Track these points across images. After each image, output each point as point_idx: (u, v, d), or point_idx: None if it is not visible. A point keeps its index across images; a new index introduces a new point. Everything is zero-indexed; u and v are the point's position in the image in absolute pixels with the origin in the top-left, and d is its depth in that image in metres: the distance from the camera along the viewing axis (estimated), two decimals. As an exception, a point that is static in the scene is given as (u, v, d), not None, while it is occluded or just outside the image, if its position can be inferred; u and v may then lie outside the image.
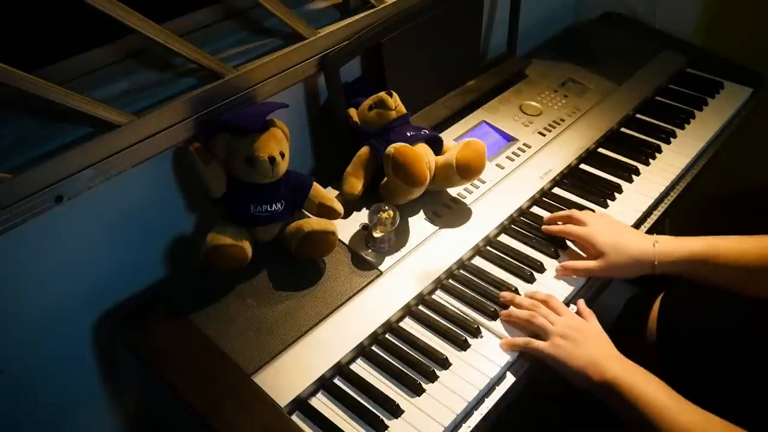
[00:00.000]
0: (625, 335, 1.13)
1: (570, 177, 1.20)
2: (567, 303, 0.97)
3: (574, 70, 1.44)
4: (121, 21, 0.80)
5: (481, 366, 0.86)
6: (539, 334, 0.89)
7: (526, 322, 0.90)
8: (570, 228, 1.02)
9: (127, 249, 0.93)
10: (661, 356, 1.08)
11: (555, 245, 1.04)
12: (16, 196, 0.75)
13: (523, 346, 0.88)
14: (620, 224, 1.03)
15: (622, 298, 1.24)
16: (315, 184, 0.98)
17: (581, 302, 0.95)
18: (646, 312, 1.12)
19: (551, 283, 0.98)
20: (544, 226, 1.06)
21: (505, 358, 0.87)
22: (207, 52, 0.91)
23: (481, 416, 0.83)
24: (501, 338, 0.90)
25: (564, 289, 0.97)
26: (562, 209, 1.11)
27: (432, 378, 0.84)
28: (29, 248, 0.81)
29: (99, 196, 0.85)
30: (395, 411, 0.80)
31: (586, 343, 0.85)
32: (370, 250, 0.99)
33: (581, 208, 1.12)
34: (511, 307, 0.93)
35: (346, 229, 1.01)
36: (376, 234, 0.97)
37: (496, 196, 1.10)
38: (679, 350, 1.06)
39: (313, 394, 0.83)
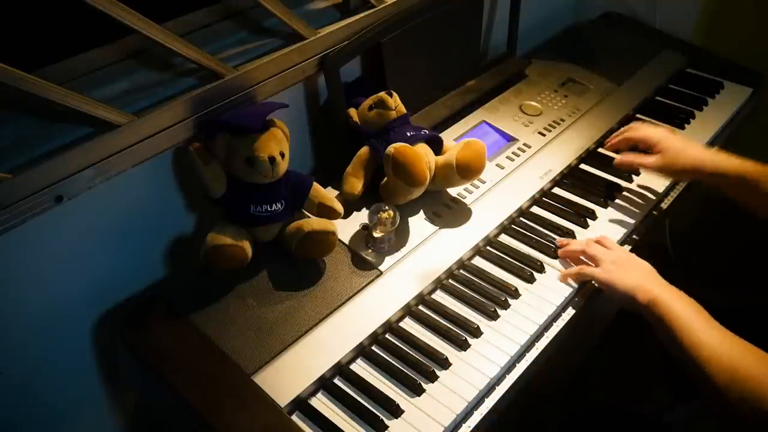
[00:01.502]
0: (627, 330, 1.14)
1: (570, 177, 1.20)
2: (567, 302, 0.97)
3: (574, 70, 1.44)
4: (121, 21, 0.81)
5: (481, 366, 0.86)
6: (592, 262, 0.97)
7: (581, 252, 0.99)
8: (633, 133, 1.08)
9: (127, 249, 0.93)
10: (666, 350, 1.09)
11: (555, 245, 1.04)
12: (16, 196, 0.75)
13: (577, 273, 0.97)
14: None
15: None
16: (315, 184, 0.98)
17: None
18: None
19: (551, 283, 0.98)
20: (608, 143, 1.13)
21: (506, 358, 0.87)
22: (207, 52, 0.91)
23: (481, 416, 0.83)
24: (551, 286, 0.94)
25: (564, 289, 0.97)
26: (562, 209, 1.11)
27: (432, 378, 0.84)
28: (29, 248, 0.81)
29: (99, 196, 0.85)
30: (395, 411, 0.80)
31: (634, 269, 0.92)
32: (370, 250, 0.99)
33: (581, 208, 1.12)
34: (569, 244, 1.01)
35: (346, 229, 1.01)
36: (376, 234, 0.97)
37: (496, 196, 1.10)
38: None
39: (313, 394, 0.83)
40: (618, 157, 1.11)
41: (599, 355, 1.36)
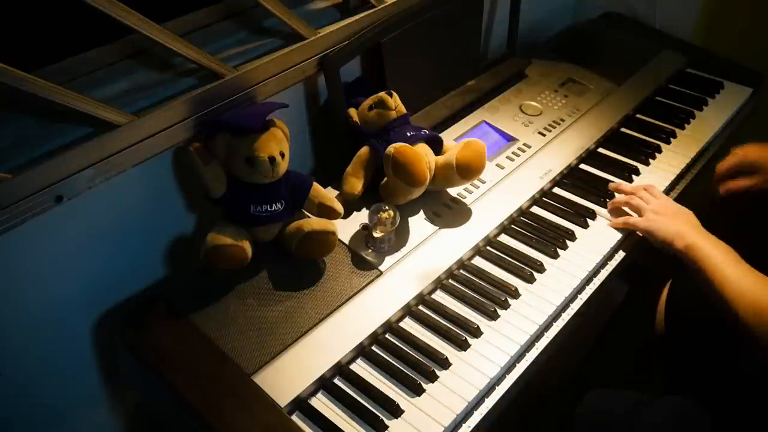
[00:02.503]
0: (631, 322, 1.15)
1: (570, 177, 1.20)
2: (567, 302, 0.97)
3: (574, 70, 1.44)
4: (121, 21, 0.80)
5: (481, 366, 0.86)
6: (636, 212, 1.05)
7: (624, 203, 1.07)
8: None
9: (127, 249, 0.93)
10: (669, 340, 1.10)
11: (555, 245, 1.04)
12: (16, 196, 0.75)
13: (623, 223, 1.05)
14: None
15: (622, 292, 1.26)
16: (315, 184, 0.98)
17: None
18: (654, 299, 1.14)
19: (551, 283, 0.98)
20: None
21: (505, 358, 0.87)
22: (207, 52, 0.91)
23: (481, 416, 0.83)
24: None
25: (564, 289, 0.97)
26: (562, 209, 1.11)
27: (432, 378, 0.84)
28: (29, 248, 0.81)
29: (99, 196, 0.85)
30: (395, 411, 0.80)
31: (675, 218, 0.99)
32: (370, 250, 0.99)
33: (581, 208, 1.12)
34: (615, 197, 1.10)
35: (346, 229, 1.01)
36: (376, 234, 0.97)
37: (496, 196, 1.10)
38: (687, 335, 1.08)
39: (313, 394, 0.83)
40: (722, 188, 1.12)
41: (599, 354, 1.36)
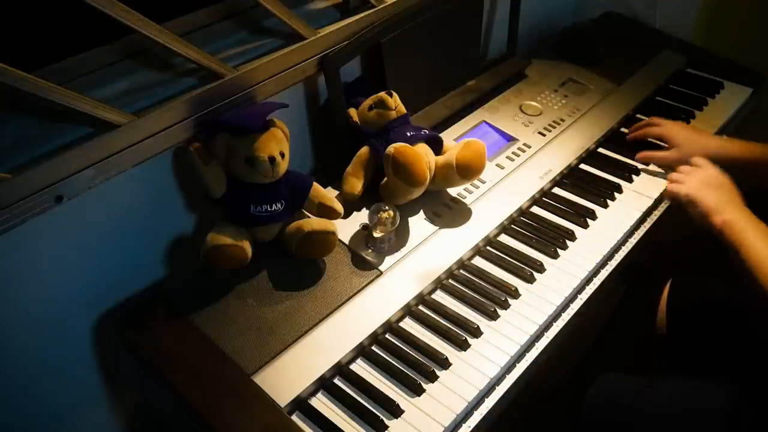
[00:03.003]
0: (631, 321, 1.17)
1: (570, 177, 1.20)
2: (567, 302, 0.97)
3: (574, 70, 1.44)
4: (121, 21, 0.80)
5: (481, 366, 0.86)
6: (680, 179, 1.05)
7: (670, 164, 1.12)
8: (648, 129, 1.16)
9: (127, 249, 0.93)
10: (671, 339, 1.12)
11: (555, 245, 1.04)
12: (16, 196, 0.75)
13: (668, 192, 1.07)
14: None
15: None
16: (315, 184, 0.98)
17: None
18: (654, 299, 1.14)
19: (551, 283, 0.98)
20: (629, 135, 1.22)
21: (505, 358, 0.87)
22: (207, 52, 0.91)
23: (481, 416, 0.83)
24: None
25: (564, 289, 0.97)
26: (562, 209, 1.11)
27: (432, 378, 0.84)
28: (29, 248, 0.81)
29: (99, 196, 0.85)
30: (395, 411, 0.80)
31: (716, 191, 0.99)
32: (370, 250, 0.99)
33: (581, 208, 1.12)
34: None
35: (346, 229, 1.01)
36: (376, 234, 0.97)
37: (496, 196, 1.10)
38: (690, 331, 1.09)
39: (313, 394, 0.83)
40: (639, 155, 1.21)
41: (600, 354, 1.36)
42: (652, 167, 1.22)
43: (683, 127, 1.22)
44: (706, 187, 1.01)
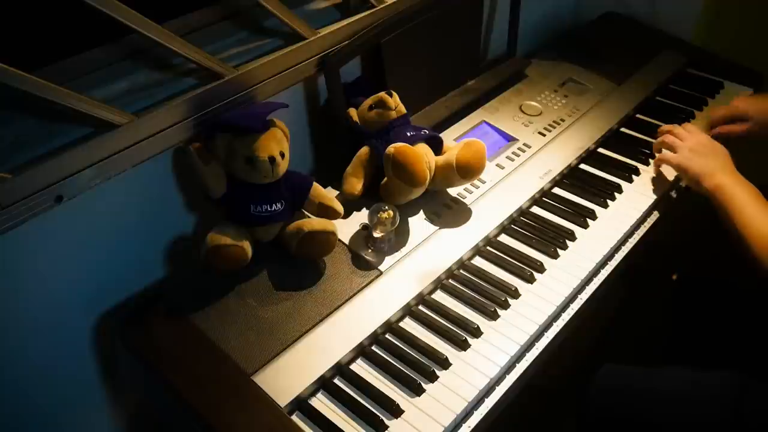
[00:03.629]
0: (632, 320, 1.17)
1: (570, 177, 1.20)
2: (568, 302, 0.97)
3: (574, 70, 1.44)
4: (121, 21, 0.80)
5: (481, 366, 0.86)
6: (671, 150, 1.10)
7: (661, 142, 1.14)
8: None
9: (127, 249, 0.93)
10: (675, 335, 1.13)
11: (555, 245, 1.04)
12: (16, 196, 0.75)
13: (657, 160, 1.13)
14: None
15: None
16: (315, 184, 0.98)
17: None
18: (655, 298, 1.15)
19: (551, 283, 0.98)
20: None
21: (505, 358, 0.87)
22: (207, 52, 0.91)
23: (481, 416, 0.83)
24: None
25: (564, 289, 0.97)
26: (562, 209, 1.11)
27: (432, 378, 0.84)
28: (29, 248, 0.81)
29: (99, 196, 0.85)
30: (395, 411, 0.80)
31: (708, 157, 1.04)
32: (370, 250, 0.99)
33: (581, 208, 1.12)
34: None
35: (346, 229, 1.01)
36: (376, 234, 0.97)
37: (496, 196, 1.10)
38: (694, 327, 1.11)
39: (313, 394, 0.83)
40: (715, 130, 1.23)
41: (600, 354, 1.37)
42: (652, 167, 1.22)
43: (760, 98, 1.24)
44: (697, 154, 1.05)
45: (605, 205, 1.13)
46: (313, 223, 0.94)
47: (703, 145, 1.08)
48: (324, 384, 0.84)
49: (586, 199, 1.14)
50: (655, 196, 1.15)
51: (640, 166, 1.22)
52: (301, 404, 0.82)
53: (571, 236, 1.06)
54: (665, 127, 1.20)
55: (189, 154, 0.89)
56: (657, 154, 1.14)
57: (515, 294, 0.96)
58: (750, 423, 0.92)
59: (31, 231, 0.79)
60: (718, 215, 0.99)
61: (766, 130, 1.19)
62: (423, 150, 1.04)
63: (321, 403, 0.82)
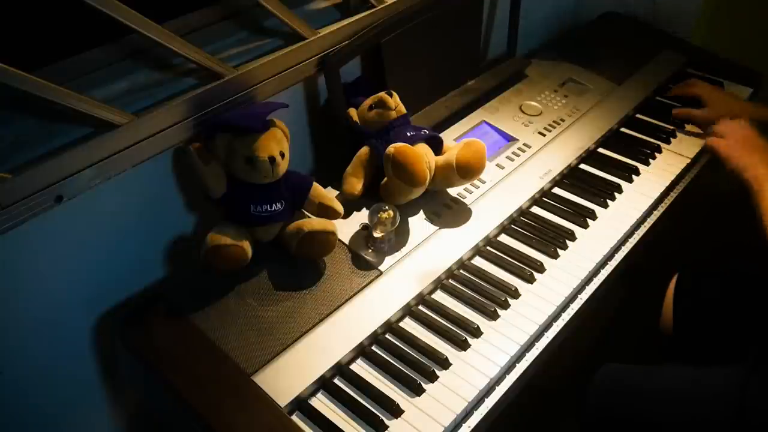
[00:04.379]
0: (633, 320, 1.18)
1: (570, 177, 1.20)
2: (568, 302, 0.97)
3: (574, 70, 1.44)
4: (121, 21, 0.80)
5: (481, 366, 0.86)
6: (720, 135, 1.16)
7: (713, 122, 1.19)
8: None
9: (127, 249, 0.93)
10: (677, 335, 1.14)
11: (555, 245, 1.04)
12: (16, 196, 0.75)
13: (707, 143, 1.18)
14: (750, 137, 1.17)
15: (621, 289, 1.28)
16: (315, 184, 0.98)
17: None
18: (656, 298, 1.16)
19: (551, 283, 0.98)
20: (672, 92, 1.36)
21: (505, 358, 0.87)
22: (207, 52, 0.91)
23: (481, 416, 0.83)
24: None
25: (564, 289, 0.97)
26: (562, 209, 1.12)
27: (432, 378, 0.84)
28: (29, 248, 0.81)
29: (99, 196, 0.85)
30: (395, 411, 0.80)
31: (750, 150, 1.11)
32: (370, 250, 0.99)
33: (581, 208, 1.12)
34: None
35: (346, 229, 1.01)
36: (376, 234, 0.97)
37: (496, 196, 1.10)
38: (697, 327, 1.11)
39: (313, 394, 0.83)
40: (675, 111, 1.35)
41: (600, 354, 1.37)
42: (652, 167, 1.22)
43: (717, 90, 1.35)
44: (742, 146, 1.12)
45: (605, 205, 1.13)
46: (313, 223, 0.94)
47: (751, 139, 1.14)
48: (324, 384, 0.84)
49: (586, 199, 1.14)
50: (655, 196, 1.15)
51: (640, 166, 1.22)
52: (301, 404, 0.82)
53: (571, 236, 1.06)
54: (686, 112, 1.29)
55: (189, 154, 0.89)
56: (708, 139, 1.19)
57: (515, 294, 0.96)
58: (754, 420, 0.92)
59: (31, 231, 0.79)
60: (751, 204, 1.05)
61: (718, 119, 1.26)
62: (423, 150, 1.04)
63: (321, 403, 0.82)
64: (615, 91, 1.39)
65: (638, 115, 1.38)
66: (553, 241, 1.05)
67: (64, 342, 0.91)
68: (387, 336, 0.90)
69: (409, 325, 0.92)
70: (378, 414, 0.80)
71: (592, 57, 1.46)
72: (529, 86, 1.37)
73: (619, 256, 1.06)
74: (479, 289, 0.97)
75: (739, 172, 1.09)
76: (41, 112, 0.82)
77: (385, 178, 1.02)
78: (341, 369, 0.86)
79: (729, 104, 1.29)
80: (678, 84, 1.41)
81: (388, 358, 0.87)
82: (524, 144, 1.22)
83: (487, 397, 0.85)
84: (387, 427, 0.79)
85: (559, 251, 1.03)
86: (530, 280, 0.98)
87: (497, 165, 1.17)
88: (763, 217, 1.01)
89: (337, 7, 1.11)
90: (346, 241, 1.00)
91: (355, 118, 1.08)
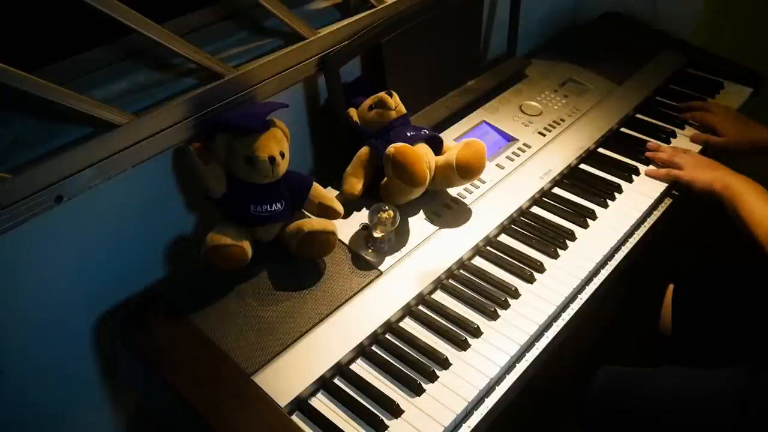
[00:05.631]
0: (633, 320, 1.18)
1: (570, 177, 1.20)
2: (568, 302, 0.97)
3: (574, 70, 1.44)
4: (121, 21, 0.80)
5: (481, 366, 0.86)
6: (677, 167, 1.18)
7: (669, 156, 1.21)
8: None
9: (127, 249, 0.93)
10: (676, 337, 1.15)
11: (555, 245, 1.04)
12: (16, 196, 0.75)
13: (665, 174, 1.18)
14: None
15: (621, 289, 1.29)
16: (315, 184, 0.98)
17: None
18: (655, 299, 1.17)
19: (551, 283, 0.98)
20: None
21: (505, 358, 0.87)
22: (207, 52, 0.91)
23: (481, 416, 0.83)
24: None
25: (564, 289, 0.97)
26: (562, 209, 1.11)
27: (432, 378, 0.84)
28: (29, 248, 0.81)
29: (99, 196, 0.85)
30: (395, 411, 0.80)
31: (710, 168, 1.15)
32: (370, 250, 0.99)
33: (581, 208, 1.12)
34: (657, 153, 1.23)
35: (346, 229, 1.01)
36: (376, 234, 0.97)
37: (496, 196, 1.10)
38: (696, 329, 1.12)
39: (313, 394, 0.83)
40: (696, 135, 1.32)
41: (600, 354, 1.37)
42: (652, 167, 1.22)
43: (735, 119, 1.33)
44: (700, 169, 1.15)
45: (605, 205, 1.13)
46: (313, 223, 0.94)
47: (703, 161, 1.18)
48: (324, 384, 0.84)
49: (586, 199, 1.14)
50: (655, 196, 1.15)
51: (640, 166, 1.22)
52: (301, 404, 0.82)
53: (571, 236, 1.06)
54: (655, 146, 1.26)
55: (189, 154, 0.89)
56: (664, 170, 1.20)
57: (515, 294, 0.96)
58: (757, 420, 0.92)
59: (31, 231, 0.79)
60: (727, 212, 1.07)
61: (735, 148, 1.28)
62: (423, 150, 1.04)
63: (321, 403, 0.82)
64: (615, 91, 1.39)
65: (638, 115, 1.38)
66: (553, 241, 1.05)
67: (64, 342, 0.91)
68: (387, 336, 0.90)
69: (409, 325, 0.92)
70: (378, 414, 0.80)
71: (592, 57, 1.47)
72: (529, 86, 1.37)
73: (619, 256, 1.06)
74: (479, 289, 0.97)
75: (708, 188, 1.11)
76: (41, 112, 0.82)
77: (385, 178, 1.02)
78: (341, 369, 0.86)
79: (743, 133, 1.28)
80: (694, 102, 1.38)
81: (388, 358, 0.87)
82: (524, 144, 1.22)
83: (487, 397, 0.85)
84: (387, 427, 0.79)
85: (559, 251, 1.03)
86: (530, 280, 0.98)
87: (497, 165, 1.17)
88: (747, 220, 1.02)
89: (337, 7, 1.11)
90: (346, 241, 1.00)
91: (355, 118, 1.08)
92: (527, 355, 0.90)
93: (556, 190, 1.17)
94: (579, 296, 0.99)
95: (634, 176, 1.20)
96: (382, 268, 0.96)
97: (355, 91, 1.11)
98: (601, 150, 1.28)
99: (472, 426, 0.82)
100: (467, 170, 1.02)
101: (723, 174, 1.11)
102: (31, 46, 0.85)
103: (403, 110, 1.07)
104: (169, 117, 0.87)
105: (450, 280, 0.99)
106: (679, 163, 1.19)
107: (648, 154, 1.24)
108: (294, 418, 0.80)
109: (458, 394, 0.83)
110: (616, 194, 1.16)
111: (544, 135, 1.25)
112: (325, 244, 0.94)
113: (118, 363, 0.97)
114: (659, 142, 1.27)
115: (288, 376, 0.82)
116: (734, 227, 1.06)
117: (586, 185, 1.18)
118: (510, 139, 1.23)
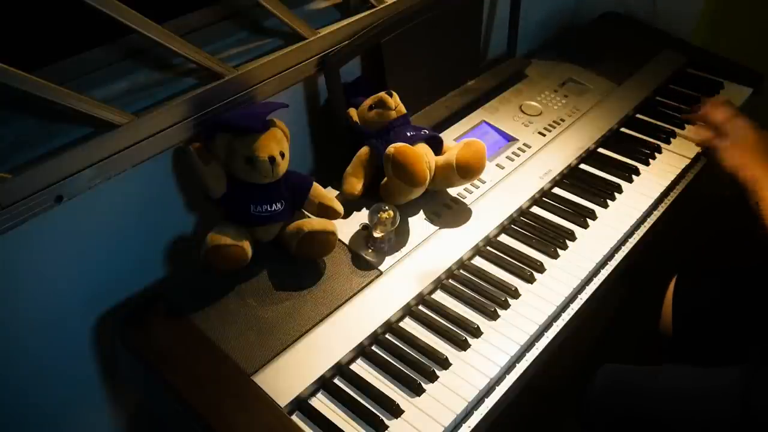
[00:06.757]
0: (633, 320, 1.18)
1: (570, 177, 1.20)
2: (568, 302, 0.97)
3: (574, 70, 1.44)
4: (121, 21, 0.80)
5: (481, 366, 0.86)
6: (720, 135, 1.15)
7: (722, 121, 1.16)
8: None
9: (127, 249, 0.93)
10: (677, 337, 1.15)
11: (555, 245, 1.04)
12: (16, 196, 0.75)
13: (704, 140, 1.18)
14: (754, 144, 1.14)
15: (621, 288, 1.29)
16: (315, 184, 0.98)
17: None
18: (656, 298, 1.17)
19: (551, 283, 0.98)
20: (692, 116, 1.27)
21: (505, 358, 0.87)
22: (207, 52, 0.91)
23: (481, 416, 0.83)
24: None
25: (564, 289, 0.97)
26: (562, 209, 1.11)
27: (432, 378, 0.84)
28: (29, 248, 0.81)
29: (99, 196, 0.85)
30: (395, 411, 0.80)
31: (749, 152, 1.10)
32: (370, 250, 0.99)
33: (581, 208, 1.12)
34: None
35: (346, 229, 1.01)
36: (376, 234, 0.97)
37: (496, 196, 1.10)
38: (697, 329, 1.12)
39: (313, 394, 0.83)
40: (699, 141, 1.26)
41: (600, 354, 1.37)
42: (652, 167, 1.22)
43: (739, 120, 1.24)
44: (738, 149, 1.11)
45: (605, 205, 1.13)
46: (313, 223, 0.94)
47: (746, 142, 1.13)
48: (324, 384, 0.84)
49: (586, 199, 1.14)
50: (655, 196, 1.15)
51: (640, 166, 1.22)
52: (301, 404, 0.82)
53: (571, 236, 1.06)
54: (710, 103, 1.23)
55: (189, 154, 0.89)
56: (706, 135, 1.17)
57: (515, 294, 0.96)
58: (758, 419, 0.92)
59: (31, 231, 0.79)
60: (747, 204, 1.05)
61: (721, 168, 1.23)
62: (423, 150, 1.04)
63: (321, 403, 0.82)
64: (615, 91, 1.39)
65: (638, 115, 1.37)
66: (553, 241, 1.05)
67: (64, 342, 0.91)
68: (387, 336, 0.90)
69: (409, 325, 0.92)
70: (378, 414, 0.80)
71: (592, 57, 1.47)
72: (529, 86, 1.37)
73: (619, 256, 1.06)
74: (479, 289, 0.97)
75: (734, 171, 1.09)
76: (41, 112, 0.82)
77: (385, 178, 1.02)
78: (341, 369, 0.86)
79: (749, 137, 1.18)
80: (703, 101, 1.32)
81: (388, 358, 0.87)
82: (524, 144, 1.22)
83: (487, 397, 0.85)
84: (387, 427, 0.79)
85: (559, 251, 1.03)
86: (530, 280, 0.98)
87: (497, 165, 1.17)
88: (762, 213, 1.00)
89: (337, 7, 1.11)
90: (346, 241, 1.00)
91: (355, 118, 1.08)
92: (527, 355, 0.90)
93: (556, 190, 1.17)
94: (579, 296, 0.99)
95: (634, 176, 1.20)
96: (382, 268, 0.96)
97: (355, 91, 1.11)
98: (601, 150, 1.28)
99: (472, 426, 0.82)
100: (467, 170, 1.02)
101: (753, 162, 1.08)
102: (31, 46, 0.85)
103: (403, 110, 1.07)
104: (169, 117, 0.87)
105: (450, 280, 0.99)
106: (726, 133, 1.16)
107: (695, 116, 1.24)
108: (294, 418, 0.80)
109: (458, 394, 0.83)
110: (616, 194, 1.16)
111: (544, 135, 1.25)
112: (325, 244, 0.94)
113: (118, 363, 0.97)
114: (714, 99, 1.26)
115: (288, 376, 0.82)
116: (734, 227, 1.06)
117: (586, 185, 1.18)
118: (510, 139, 1.23)
